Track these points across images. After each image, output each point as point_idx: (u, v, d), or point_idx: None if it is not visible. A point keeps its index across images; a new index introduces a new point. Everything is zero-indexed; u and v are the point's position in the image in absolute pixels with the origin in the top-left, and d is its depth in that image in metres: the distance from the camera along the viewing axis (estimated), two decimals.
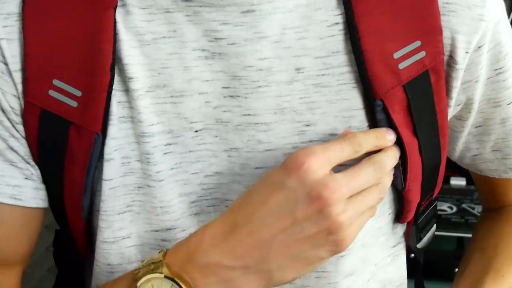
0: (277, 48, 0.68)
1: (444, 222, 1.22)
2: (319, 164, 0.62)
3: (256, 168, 0.70)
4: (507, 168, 0.82)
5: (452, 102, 0.73)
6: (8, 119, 0.70)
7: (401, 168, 0.71)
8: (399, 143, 0.70)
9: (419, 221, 0.80)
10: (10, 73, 0.69)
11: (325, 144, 0.64)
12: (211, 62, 0.68)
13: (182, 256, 0.64)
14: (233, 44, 0.68)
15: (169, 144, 0.70)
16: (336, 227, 0.62)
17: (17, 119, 0.70)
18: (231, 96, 0.69)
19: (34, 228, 0.75)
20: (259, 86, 0.68)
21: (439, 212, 1.04)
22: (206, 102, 0.69)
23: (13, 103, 0.70)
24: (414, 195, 0.74)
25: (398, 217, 0.76)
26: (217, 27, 0.68)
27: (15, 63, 0.69)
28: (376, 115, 0.69)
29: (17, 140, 0.71)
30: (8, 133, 0.71)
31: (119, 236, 0.72)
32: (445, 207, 1.28)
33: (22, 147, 0.71)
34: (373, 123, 0.70)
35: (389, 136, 0.68)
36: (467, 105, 0.75)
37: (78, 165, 0.69)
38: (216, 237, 0.63)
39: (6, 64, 0.69)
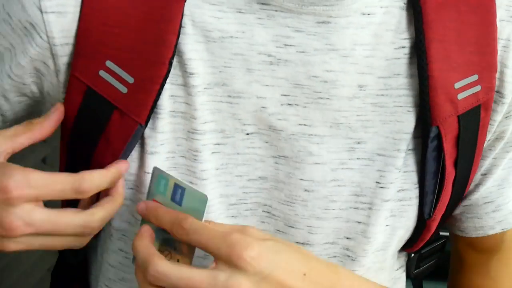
0: (345, 63, 0.67)
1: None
2: (23, 197, 0.61)
3: (301, 179, 0.69)
4: (494, 223, 0.79)
5: (489, 137, 0.74)
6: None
7: (434, 197, 0.72)
8: (440, 171, 0.71)
9: (423, 251, 0.81)
10: (49, 47, 0.66)
11: (49, 178, 0.62)
12: (275, 68, 0.67)
13: None
14: (302, 52, 0.67)
15: (218, 144, 0.69)
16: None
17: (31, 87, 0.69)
18: (289, 104, 0.68)
19: None
20: (321, 98, 0.68)
21: None
22: (263, 107, 0.68)
23: (46, 72, 0.68)
24: (435, 225, 0.74)
25: (409, 245, 0.77)
26: (289, 33, 0.67)
27: (64, 37, 0.66)
28: (429, 142, 0.69)
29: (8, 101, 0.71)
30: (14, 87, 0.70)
31: None
32: None
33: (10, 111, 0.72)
34: (423, 149, 0.70)
35: (124, 167, 0.67)
36: (494, 142, 0.76)
37: (111, 150, 0.67)
38: None
39: (47, 37, 0.66)
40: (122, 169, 0.66)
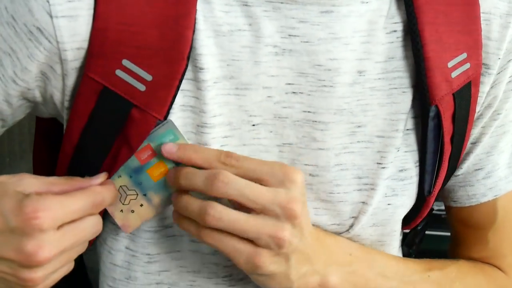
0: (346, 51, 0.69)
1: (443, 222, 1.21)
2: (51, 221, 0.60)
3: (306, 164, 0.71)
4: (486, 190, 0.81)
5: (478, 108, 0.77)
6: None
7: (434, 174, 0.74)
8: (438, 149, 0.73)
9: (419, 227, 0.84)
10: (59, 52, 0.65)
11: (68, 199, 0.62)
12: (280, 58, 0.68)
13: None
14: (307, 42, 0.68)
15: (226, 137, 0.69)
16: (26, 283, 0.61)
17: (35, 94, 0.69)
18: (293, 92, 0.69)
19: None
20: (324, 86, 0.69)
21: (438, 212, 1.04)
22: (268, 96, 0.69)
23: (52, 76, 0.67)
24: (432, 201, 0.77)
25: (407, 222, 0.79)
26: (294, 24, 0.68)
27: (75, 42, 0.65)
28: (429, 121, 0.72)
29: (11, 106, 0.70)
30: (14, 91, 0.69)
31: (163, 225, 0.71)
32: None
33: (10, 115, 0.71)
34: (423, 128, 0.72)
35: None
36: (483, 111, 0.78)
37: (128, 147, 0.67)
38: None
39: (57, 42, 0.65)
40: None
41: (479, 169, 0.80)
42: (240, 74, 0.68)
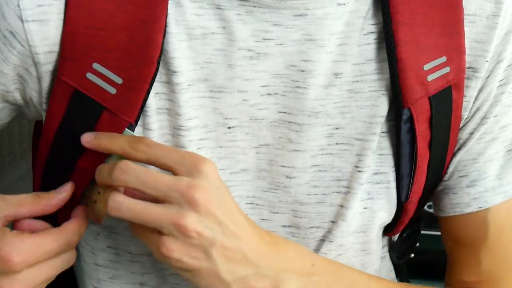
0: (321, 53, 0.69)
1: None
2: (24, 263, 0.64)
3: (283, 166, 0.71)
4: (470, 199, 0.76)
5: (465, 115, 0.74)
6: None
7: (411, 180, 0.73)
8: (413, 154, 0.72)
9: (405, 235, 0.82)
10: (31, 55, 0.66)
11: (41, 240, 0.65)
12: (255, 62, 0.68)
13: None
14: (281, 44, 0.68)
15: (202, 139, 0.69)
16: None
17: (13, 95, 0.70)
18: (269, 94, 0.69)
19: None
20: (298, 87, 0.69)
21: None
22: (244, 100, 0.69)
23: (28, 78, 0.68)
24: (412, 208, 0.75)
25: (389, 229, 0.78)
26: (268, 27, 0.68)
27: (46, 45, 0.66)
28: (401, 124, 0.71)
29: None
30: None
31: None
32: None
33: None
34: (397, 132, 0.71)
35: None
36: (472, 116, 0.75)
37: (101, 152, 0.67)
38: None
39: (29, 46, 0.66)
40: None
41: (463, 176, 0.76)
42: (214, 77, 0.68)
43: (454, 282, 0.81)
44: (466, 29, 0.71)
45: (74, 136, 0.67)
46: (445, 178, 0.77)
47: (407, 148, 0.72)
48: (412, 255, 0.86)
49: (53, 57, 0.67)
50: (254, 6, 0.67)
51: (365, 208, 0.73)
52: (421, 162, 0.72)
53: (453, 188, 0.77)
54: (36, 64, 0.67)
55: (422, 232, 0.86)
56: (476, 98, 0.73)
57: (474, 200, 0.76)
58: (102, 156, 0.67)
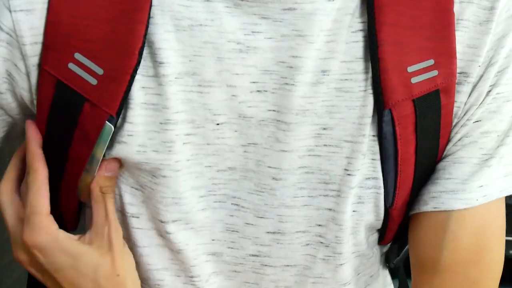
0: (310, 49, 0.68)
1: None
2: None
3: (269, 167, 0.70)
4: (429, 198, 0.72)
5: (455, 121, 0.72)
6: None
7: (395, 185, 0.71)
8: (396, 157, 0.70)
9: (398, 244, 0.80)
10: (19, 46, 0.67)
11: None
12: (245, 56, 0.67)
13: None
14: (270, 38, 0.67)
15: (188, 134, 0.68)
16: None
17: (9, 87, 0.69)
18: (258, 91, 0.68)
19: None
20: (286, 84, 0.68)
21: None
22: (233, 95, 0.68)
23: (17, 76, 0.68)
24: (398, 214, 0.73)
25: (381, 237, 0.76)
26: (257, 20, 0.67)
27: (33, 36, 0.66)
28: (384, 126, 0.69)
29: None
30: None
31: (129, 212, 0.71)
32: None
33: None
34: (379, 134, 0.70)
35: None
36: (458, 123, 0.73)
37: (86, 142, 0.68)
38: None
39: (17, 36, 0.66)
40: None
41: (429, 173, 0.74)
42: (203, 70, 0.67)
43: None
44: (459, 33, 0.70)
45: (61, 127, 0.68)
46: None
47: (390, 152, 0.70)
48: None
49: (38, 49, 0.67)
50: (242, 0, 0.67)
51: (354, 211, 0.72)
52: (405, 167, 0.71)
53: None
54: (24, 57, 0.67)
55: None
56: (466, 103, 0.71)
57: (432, 199, 0.72)
58: (89, 146, 0.67)
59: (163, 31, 0.67)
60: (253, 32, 0.67)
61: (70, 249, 0.69)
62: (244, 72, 0.68)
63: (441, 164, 0.73)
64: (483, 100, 0.71)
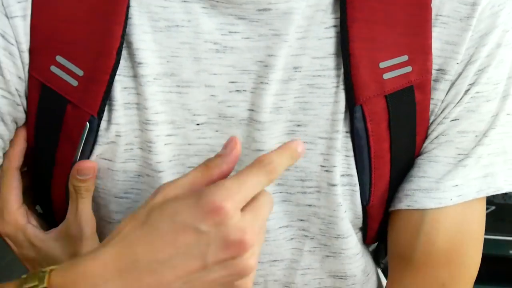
0: (284, 47, 0.68)
1: None
2: (235, 207, 0.58)
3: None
4: (402, 195, 0.72)
5: (431, 119, 0.71)
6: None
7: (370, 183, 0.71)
8: (369, 154, 0.69)
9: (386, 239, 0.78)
10: (20, 56, 0.67)
11: (241, 178, 0.60)
12: (222, 56, 0.68)
13: (67, 279, 0.59)
14: (247, 38, 0.68)
15: (169, 135, 0.69)
16: (247, 272, 0.59)
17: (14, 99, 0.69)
18: (237, 90, 0.69)
19: None
20: (261, 82, 0.69)
21: None
22: (212, 95, 0.69)
23: (18, 85, 0.68)
24: (376, 212, 0.73)
25: (364, 236, 0.76)
26: (233, 20, 0.68)
27: (26, 42, 0.67)
28: (355, 122, 0.69)
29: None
30: None
31: (115, 219, 0.71)
32: None
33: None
34: (352, 130, 0.69)
35: (300, 148, 0.63)
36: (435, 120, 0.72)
37: (71, 144, 0.68)
38: (109, 270, 0.58)
39: (17, 42, 0.67)
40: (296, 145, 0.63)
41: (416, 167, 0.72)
42: (181, 71, 0.68)
43: None
44: (437, 30, 0.69)
45: (48, 131, 0.68)
46: None
47: (364, 149, 0.69)
48: None
49: (28, 56, 0.67)
50: (217, 1, 0.67)
51: (335, 207, 0.71)
52: (379, 164, 0.70)
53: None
54: (24, 65, 0.68)
55: None
56: (443, 101, 0.70)
57: (406, 197, 0.72)
58: (73, 147, 0.68)
59: (141, 32, 0.67)
60: (230, 32, 0.68)
61: (36, 243, 0.72)
62: (222, 72, 0.68)
63: (417, 162, 0.72)
64: (461, 98, 0.70)
